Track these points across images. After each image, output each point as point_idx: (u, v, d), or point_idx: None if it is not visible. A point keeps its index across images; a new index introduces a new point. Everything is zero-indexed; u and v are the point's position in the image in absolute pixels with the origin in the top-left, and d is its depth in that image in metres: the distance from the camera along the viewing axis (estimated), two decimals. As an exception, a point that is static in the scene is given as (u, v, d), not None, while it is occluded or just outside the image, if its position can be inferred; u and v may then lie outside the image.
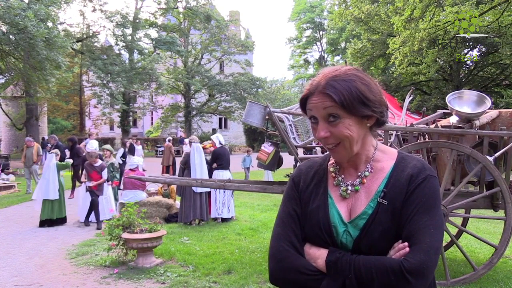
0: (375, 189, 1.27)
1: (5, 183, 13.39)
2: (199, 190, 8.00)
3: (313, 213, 1.30)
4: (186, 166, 8.41)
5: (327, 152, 1.36)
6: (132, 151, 17.37)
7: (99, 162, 8.30)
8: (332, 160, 1.38)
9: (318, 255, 1.25)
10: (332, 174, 1.35)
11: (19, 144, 24.59)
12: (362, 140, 1.28)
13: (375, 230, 1.22)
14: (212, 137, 8.95)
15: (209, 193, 8.38)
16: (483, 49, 19.39)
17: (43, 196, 8.10)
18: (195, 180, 6.29)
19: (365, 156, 1.30)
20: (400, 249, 1.18)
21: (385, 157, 1.32)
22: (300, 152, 6.00)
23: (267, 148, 5.38)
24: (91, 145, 8.87)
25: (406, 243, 1.18)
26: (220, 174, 8.25)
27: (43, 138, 23.66)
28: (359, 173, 1.30)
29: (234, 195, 8.73)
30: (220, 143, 8.70)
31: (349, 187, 1.30)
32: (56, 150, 8.97)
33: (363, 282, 1.16)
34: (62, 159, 11.36)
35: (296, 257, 1.26)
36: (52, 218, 8.12)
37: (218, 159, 8.49)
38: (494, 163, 4.48)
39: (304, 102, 1.30)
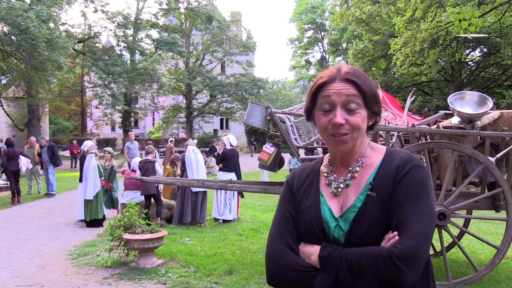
0: (364, 183, 1.29)
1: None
2: (194, 189, 8.01)
3: (306, 211, 1.33)
4: (183, 167, 8.47)
5: (323, 155, 1.42)
6: (213, 151, 17.50)
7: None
8: (325, 162, 1.42)
9: (311, 252, 1.27)
10: (325, 174, 1.38)
11: (21, 145, 24.58)
12: (362, 137, 1.31)
13: (365, 222, 1.23)
14: (223, 138, 9.02)
15: (204, 193, 8.36)
16: (485, 50, 19.37)
17: (83, 196, 8.11)
18: (196, 181, 6.29)
19: (358, 154, 1.33)
20: (390, 239, 1.19)
21: (374, 153, 1.35)
22: (302, 153, 6.00)
23: (269, 149, 5.38)
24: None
25: (395, 232, 1.18)
26: (225, 176, 8.23)
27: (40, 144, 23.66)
28: (350, 168, 1.33)
29: (237, 196, 8.67)
30: (230, 145, 8.76)
31: (341, 185, 1.32)
32: (96, 151, 8.94)
33: (355, 273, 1.17)
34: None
35: (291, 256, 1.28)
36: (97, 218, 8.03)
37: (225, 160, 8.53)
38: (496, 164, 4.47)
39: (317, 90, 1.30)
